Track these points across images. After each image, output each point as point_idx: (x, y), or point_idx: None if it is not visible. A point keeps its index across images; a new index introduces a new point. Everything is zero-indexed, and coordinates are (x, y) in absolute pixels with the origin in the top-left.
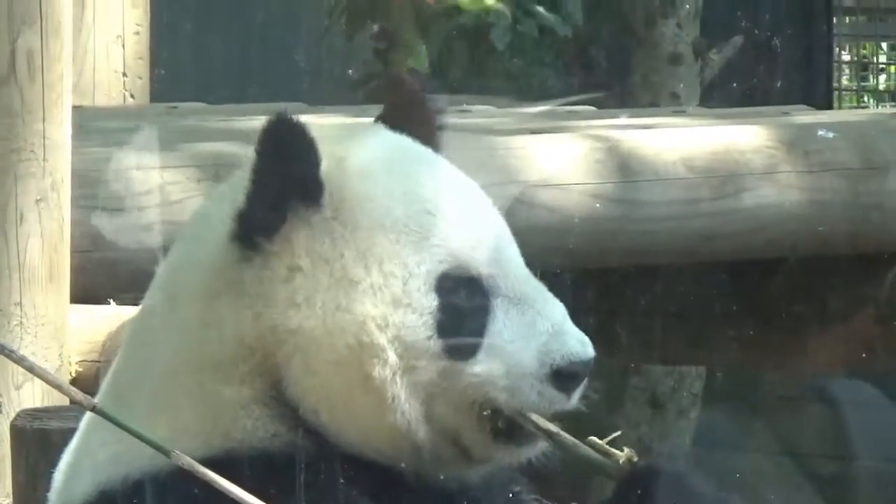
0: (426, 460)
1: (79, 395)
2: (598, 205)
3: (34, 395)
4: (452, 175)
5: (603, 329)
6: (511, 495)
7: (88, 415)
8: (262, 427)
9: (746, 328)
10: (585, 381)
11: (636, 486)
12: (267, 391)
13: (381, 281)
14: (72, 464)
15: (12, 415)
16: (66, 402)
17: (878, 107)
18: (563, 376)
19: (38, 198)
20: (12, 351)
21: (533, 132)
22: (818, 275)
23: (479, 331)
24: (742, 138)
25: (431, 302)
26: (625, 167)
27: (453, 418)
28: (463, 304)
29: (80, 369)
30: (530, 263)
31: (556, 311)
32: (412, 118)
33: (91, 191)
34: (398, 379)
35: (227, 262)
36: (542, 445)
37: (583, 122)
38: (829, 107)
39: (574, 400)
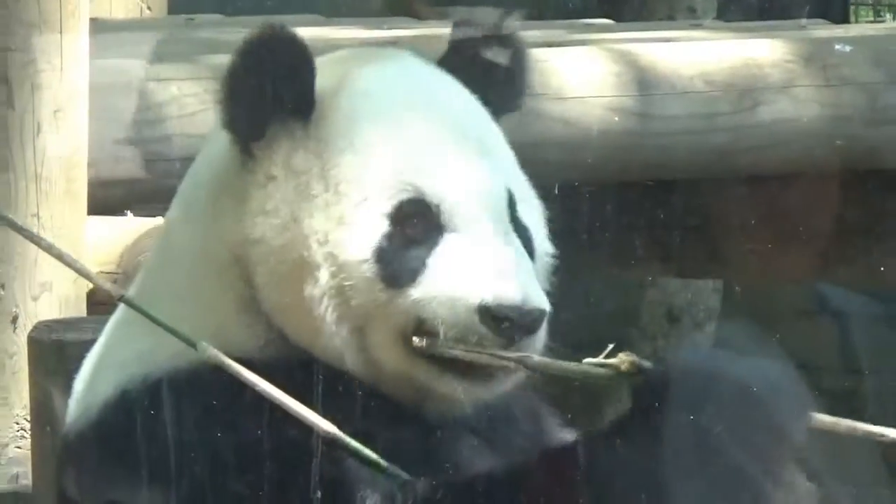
0: (389, 389)
1: (107, 284)
2: (615, 118)
3: (51, 307)
4: (455, 110)
5: (620, 243)
6: (532, 425)
7: (111, 319)
8: (255, 335)
9: (763, 242)
10: (542, 334)
11: (656, 386)
12: (253, 301)
13: (334, 199)
14: (94, 368)
15: (29, 327)
16: (82, 313)
17: (894, 20)
18: (493, 317)
19: (56, 109)
20: (41, 238)
21: (550, 45)
22: (835, 189)
23: (421, 260)
24: (759, 52)
25: (380, 227)
26: (642, 81)
27: (388, 350)
28: (413, 234)
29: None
30: (547, 177)
31: (508, 256)
32: (475, 60)
33: (108, 102)
34: (325, 299)
35: (227, 165)
36: (508, 382)
37: (600, 36)
38: (846, 20)
39: (525, 349)
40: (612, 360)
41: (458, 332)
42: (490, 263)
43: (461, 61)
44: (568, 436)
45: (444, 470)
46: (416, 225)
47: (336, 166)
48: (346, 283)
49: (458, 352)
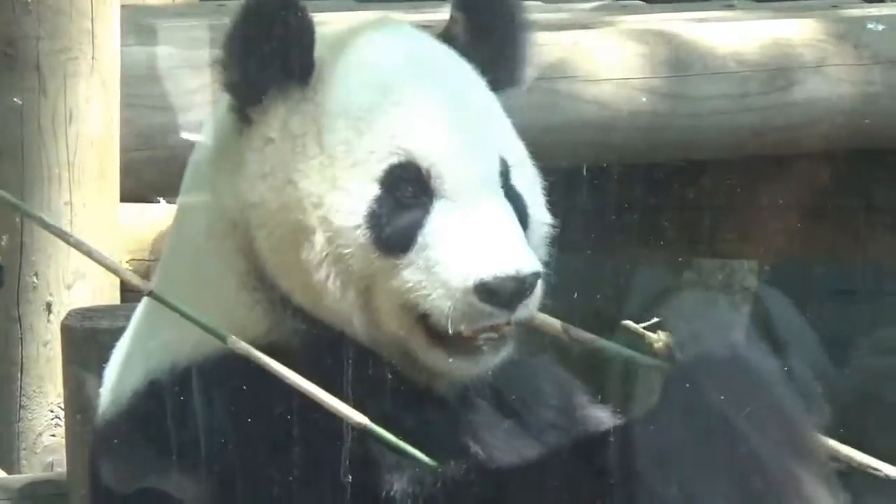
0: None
1: (135, 278)
2: (645, 99)
3: (84, 295)
4: (446, 76)
5: (652, 223)
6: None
7: (139, 308)
8: (258, 318)
9: (797, 221)
10: (536, 295)
11: (686, 380)
12: (252, 273)
13: (328, 162)
14: (123, 358)
15: (63, 315)
16: (116, 301)
17: None
18: (490, 290)
19: (87, 97)
20: (69, 234)
21: (583, 27)
22: (867, 167)
23: (413, 229)
24: (792, 32)
25: (372, 192)
26: (674, 62)
27: (391, 317)
28: (404, 199)
29: (131, 268)
30: (579, 157)
31: (499, 223)
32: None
33: (140, 89)
34: (324, 266)
35: (226, 133)
36: (491, 359)
37: (633, 17)
38: None
39: (522, 312)
40: (649, 333)
41: (459, 312)
42: (481, 233)
43: (461, 34)
44: (596, 418)
45: (466, 447)
46: (407, 189)
47: (331, 130)
48: (342, 250)
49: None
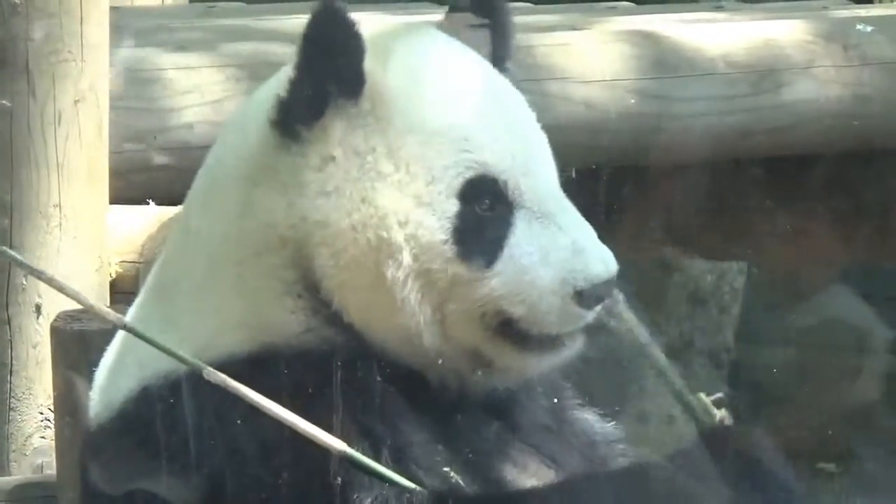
0: (446, 367)
1: (110, 314)
2: (634, 101)
3: None
4: (496, 85)
5: (641, 225)
6: (554, 401)
7: (131, 313)
8: (296, 321)
9: (786, 223)
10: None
11: (713, 443)
12: (300, 283)
13: (407, 179)
14: (115, 361)
15: (52, 317)
16: (105, 303)
17: None
18: (585, 296)
19: (77, 98)
20: (41, 272)
21: (572, 28)
22: (856, 169)
23: (499, 241)
24: (780, 33)
25: (452, 207)
26: (663, 63)
27: (466, 328)
28: (485, 212)
29: (120, 270)
30: (568, 159)
31: (579, 227)
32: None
33: (129, 91)
34: (410, 281)
35: (265, 150)
36: (570, 351)
37: (622, 19)
38: (867, 1)
39: (595, 313)
40: (713, 409)
41: (555, 316)
42: (569, 240)
43: (453, 30)
44: (584, 421)
45: (470, 464)
46: (485, 202)
47: (402, 146)
48: (429, 266)
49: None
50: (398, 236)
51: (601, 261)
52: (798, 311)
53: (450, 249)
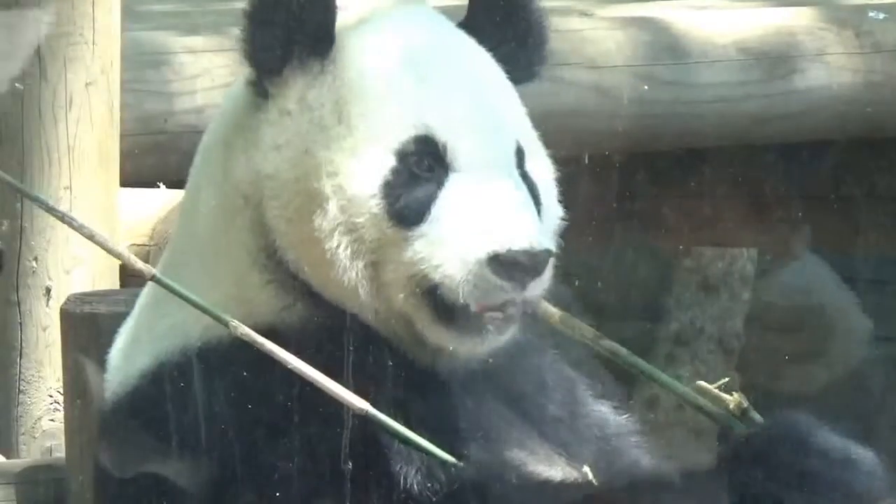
0: (391, 334)
1: (138, 263)
2: (647, 87)
3: (84, 280)
4: (462, 58)
5: (653, 211)
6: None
7: (145, 292)
8: (271, 296)
9: (797, 210)
10: (547, 275)
11: (756, 450)
12: (263, 250)
13: (346, 132)
14: (129, 341)
15: (62, 299)
16: (116, 286)
17: None
18: (503, 264)
19: (88, 81)
20: (72, 219)
21: (584, 14)
22: (869, 156)
23: (427, 203)
24: (793, 20)
25: (388, 163)
26: (676, 49)
27: (396, 290)
28: (420, 172)
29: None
30: (579, 145)
31: (512, 198)
32: (506, 24)
33: (141, 74)
34: (336, 234)
35: (238, 109)
36: (496, 338)
37: (635, 5)
38: None
39: (532, 292)
40: (725, 395)
41: (470, 285)
42: (495, 207)
43: (480, 24)
44: (598, 414)
45: (468, 435)
46: (423, 162)
47: (350, 101)
48: (355, 219)
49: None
50: (327, 187)
51: (527, 232)
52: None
53: (376, 205)
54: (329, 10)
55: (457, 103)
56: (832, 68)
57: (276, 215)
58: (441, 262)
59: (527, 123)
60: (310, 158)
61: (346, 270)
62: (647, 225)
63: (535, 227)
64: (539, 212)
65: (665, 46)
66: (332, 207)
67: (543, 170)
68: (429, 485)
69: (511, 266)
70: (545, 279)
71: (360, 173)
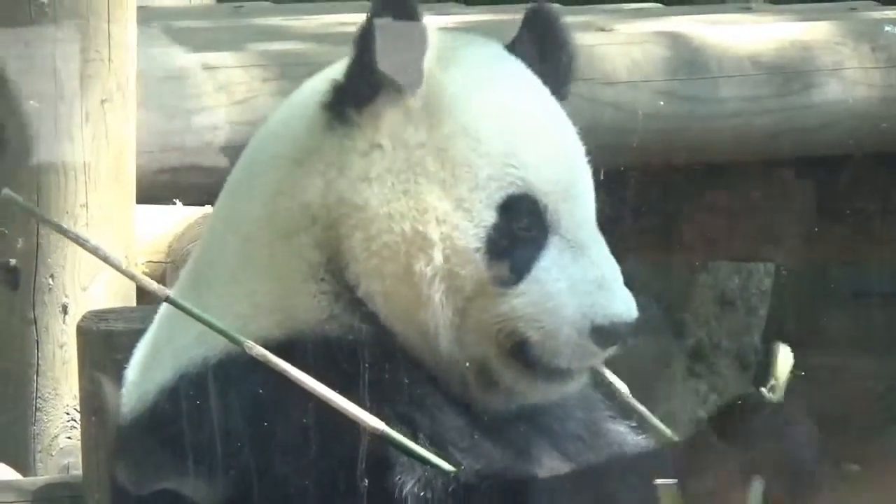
0: (454, 374)
1: (152, 284)
2: (662, 102)
3: (100, 297)
4: (550, 110)
5: (669, 226)
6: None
7: (164, 305)
8: (318, 306)
9: (813, 224)
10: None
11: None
12: (325, 266)
13: (452, 180)
14: (148, 355)
15: (78, 316)
16: (132, 302)
17: None
18: (602, 334)
19: (104, 98)
20: (86, 240)
21: (600, 29)
22: (885, 170)
23: (528, 262)
24: (808, 34)
25: (490, 218)
26: (691, 64)
27: (481, 340)
28: (520, 230)
29: (147, 270)
30: (595, 161)
31: (609, 265)
32: (546, 48)
33: (156, 91)
34: (437, 280)
35: (312, 132)
36: (574, 385)
37: (650, 20)
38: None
39: (608, 353)
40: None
41: (568, 349)
42: (595, 274)
43: (524, 45)
44: (617, 433)
45: (492, 457)
46: (523, 221)
47: (450, 148)
48: (458, 269)
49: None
50: (434, 233)
51: (624, 302)
52: None
53: (481, 259)
54: (423, 46)
55: (550, 160)
56: (848, 83)
57: (357, 245)
58: (543, 325)
59: (589, 171)
60: (409, 199)
61: (435, 316)
62: (664, 240)
63: (630, 296)
64: None
65: (681, 61)
66: (437, 255)
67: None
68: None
69: (611, 336)
70: None
71: (467, 226)
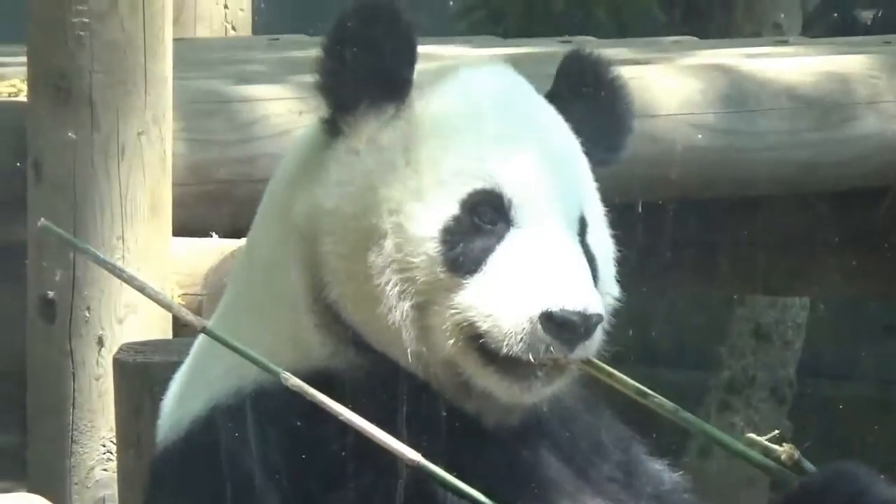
0: (437, 379)
1: (189, 315)
2: (700, 135)
3: (136, 329)
4: (539, 121)
5: (706, 260)
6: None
7: (200, 337)
8: (320, 342)
9: (849, 258)
10: (596, 339)
11: (809, 500)
12: (311, 290)
13: (414, 175)
14: (182, 386)
15: (115, 349)
16: (168, 335)
17: None
18: (554, 322)
19: (140, 131)
20: (123, 270)
21: (636, 63)
22: None
23: (484, 254)
24: (845, 67)
25: (451, 210)
26: (728, 97)
27: (441, 335)
28: (481, 224)
29: (183, 302)
30: (632, 193)
31: (570, 261)
32: (586, 92)
33: (193, 123)
34: (389, 271)
35: (309, 148)
36: (543, 387)
37: (686, 53)
38: None
39: (578, 353)
40: (776, 447)
41: (518, 337)
42: (552, 265)
43: (565, 97)
44: (653, 471)
45: (519, 490)
46: (486, 215)
47: (420, 146)
48: (410, 258)
49: (607, 371)
50: (386, 223)
51: (581, 295)
52: None
53: (434, 248)
54: (410, 54)
55: (527, 163)
56: (885, 116)
57: (329, 250)
58: (491, 313)
59: (594, 197)
60: (372, 195)
61: (392, 309)
62: (700, 273)
63: (590, 290)
64: (595, 283)
65: (718, 94)
66: (389, 244)
67: (604, 246)
68: None
69: (562, 326)
70: (594, 343)
71: (421, 215)
